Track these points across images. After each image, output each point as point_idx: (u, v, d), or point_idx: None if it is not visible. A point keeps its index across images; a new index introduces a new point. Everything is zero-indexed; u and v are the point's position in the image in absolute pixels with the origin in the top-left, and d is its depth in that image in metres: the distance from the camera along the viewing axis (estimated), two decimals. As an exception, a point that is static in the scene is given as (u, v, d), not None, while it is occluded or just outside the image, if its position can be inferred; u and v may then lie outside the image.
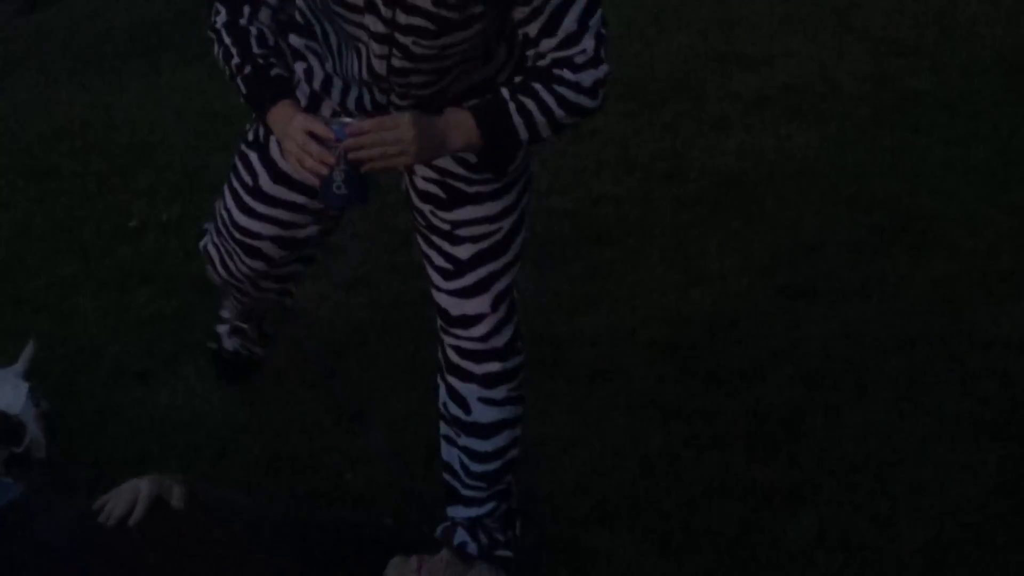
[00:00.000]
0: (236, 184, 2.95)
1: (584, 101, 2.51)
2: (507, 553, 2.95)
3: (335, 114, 2.72)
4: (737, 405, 3.57)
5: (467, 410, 2.92)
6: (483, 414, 2.91)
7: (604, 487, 3.24)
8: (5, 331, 3.96)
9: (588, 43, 2.47)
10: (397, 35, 2.52)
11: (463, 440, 2.95)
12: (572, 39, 2.47)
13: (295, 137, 2.44)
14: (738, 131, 5.69)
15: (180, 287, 4.21)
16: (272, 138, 2.79)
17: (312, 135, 2.43)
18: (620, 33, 6.72)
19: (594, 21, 2.48)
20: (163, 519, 2.66)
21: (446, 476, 3.03)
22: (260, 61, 2.58)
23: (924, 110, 5.82)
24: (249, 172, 2.91)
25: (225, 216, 3.00)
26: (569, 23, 2.46)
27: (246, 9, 2.60)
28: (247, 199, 2.93)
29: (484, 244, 2.82)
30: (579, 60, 2.48)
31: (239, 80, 2.59)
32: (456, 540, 2.96)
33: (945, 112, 5.75)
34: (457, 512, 3.01)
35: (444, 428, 3.01)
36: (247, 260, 3.02)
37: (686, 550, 3.01)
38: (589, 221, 4.77)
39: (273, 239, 2.97)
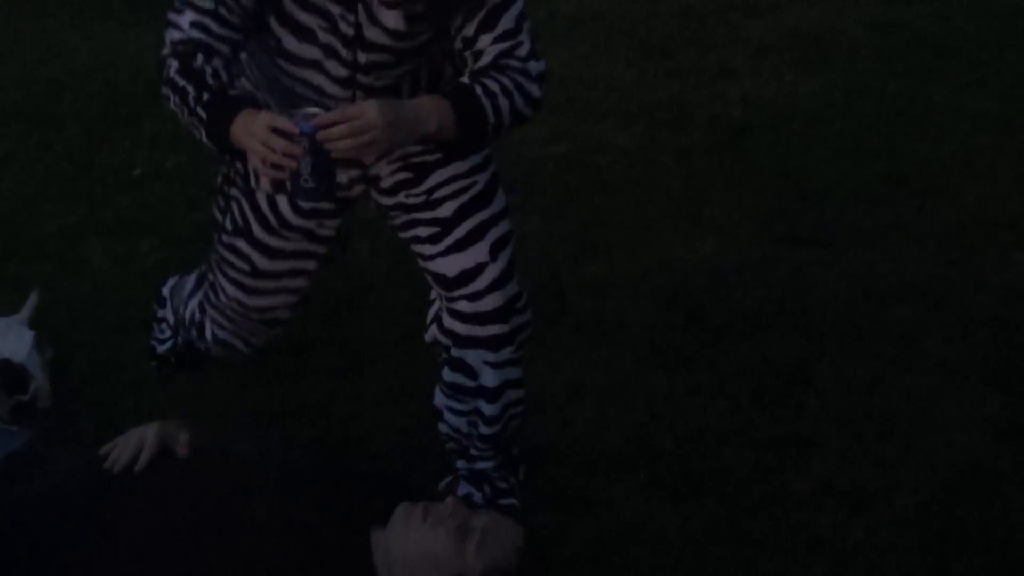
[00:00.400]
0: (233, 274, 2.95)
1: (533, 90, 2.60)
2: (512, 501, 2.96)
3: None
4: (742, 354, 3.58)
5: (474, 376, 2.90)
6: (490, 378, 2.89)
7: (610, 436, 3.24)
8: (9, 280, 3.95)
9: (525, 39, 2.58)
10: (359, 75, 2.64)
11: (471, 404, 2.94)
12: (510, 34, 2.57)
13: (258, 134, 2.40)
14: (743, 79, 5.68)
15: (183, 236, 4.20)
16: (257, 189, 2.80)
17: (275, 130, 2.40)
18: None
19: (527, 24, 2.59)
20: (168, 466, 2.67)
21: (451, 442, 3.03)
22: (215, 85, 2.53)
23: (930, 56, 5.80)
24: (242, 258, 2.93)
25: (234, 307, 3.01)
26: (506, 21, 2.56)
27: (200, 57, 2.57)
28: (251, 282, 2.95)
29: (465, 197, 2.82)
30: (520, 52, 2.58)
31: (199, 110, 2.52)
32: (460, 492, 2.97)
33: (951, 58, 5.74)
34: (462, 466, 3.02)
35: (446, 401, 2.98)
36: (270, 331, 3.09)
37: (692, 498, 3.02)
38: (592, 169, 4.76)
39: (288, 299, 3.01)
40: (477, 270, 2.82)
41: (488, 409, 2.92)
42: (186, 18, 2.58)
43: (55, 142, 5.09)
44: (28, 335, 3.44)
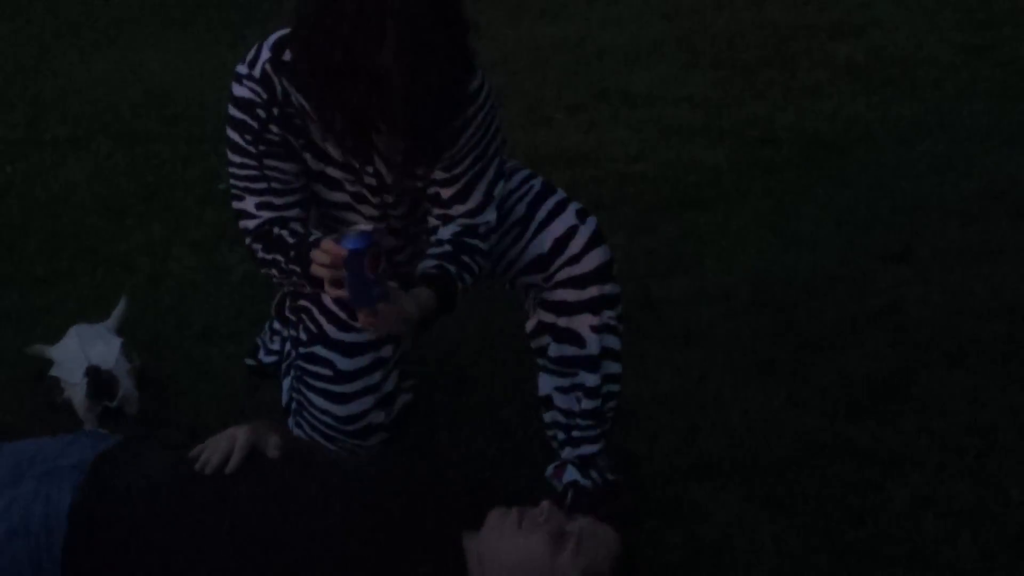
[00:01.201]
0: (318, 384, 2.94)
1: (486, 257, 2.85)
2: (617, 490, 2.94)
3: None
4: (836, 366, 3.50)
5: (581, 344, 2.93)
6: (594, 344, 2.93)
7: (703, 446, 3.18)
8: (98, 291, 3.96)
9: (491, 215, 2.82)
10: (388, 211, 2.86)
11: (579, 379, 2.96)
12: (478, 209, 2.81)
13: (315, 256, 2.57)
14: (831, 98, 5.63)
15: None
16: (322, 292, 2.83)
17: (325, 251, 2.53)
18: (711, 4, 6.71)
19: (497, 191, 2.83)
20: (259, 467, 2.64)
21: (554, 427, 3.04)
22: (297, 241, 2.70)
23: (1018, 79, 5.71)
24: (323, 364, 2.92)
25: (327, 421, 2.97)
26: (478, 194, 2.79)
27: (276, 229, 2.74)
28: (336, 388, 2.93)
29: (529, 195, 2.94)
30: (483, 230, 2.82)
31: (292, 267, 2.70)
32: (566, 478, 2.98)
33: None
34: (568, 453, 3.01)
35: (552, 382, 3.00)
36: (365, 443, 3.01)
37: (789, 507, 2.94)
38: (680, 186, 4.72)
39: (375, 397, 2.97)
40: (569, 235, 2.87)
41: (590, 379, 2.95)
42: (249, 203, 2.75)
43: (140, 158, 5.11)
44: (116, 342, 3.44)
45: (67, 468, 2.62)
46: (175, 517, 2.50)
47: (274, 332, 3.44)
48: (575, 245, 2.88)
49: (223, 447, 2.65)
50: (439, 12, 2.44)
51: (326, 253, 2.53)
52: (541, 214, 2.90)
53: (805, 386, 3.41)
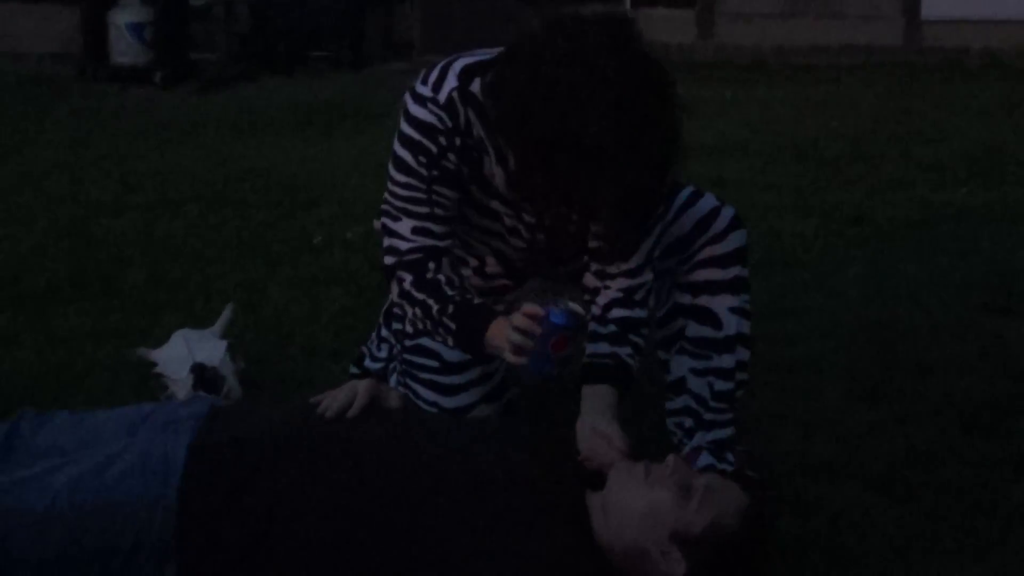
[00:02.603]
0: (425, 375, 2.93)
1: (648, 326, 2.86)
2: (756, 476, 2.86)
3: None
4: (945, 392, 3.45)
5: (718, 325, 2.91)
6: (731, 325, 2.90)
7: (817, 451, 3.12)
8: (196, 317, 3.95)
9: (648, 276, 2.79)
10: (536, 247, 2.85)
11: (713, 361, 2.92)
12: (638, 271, 2.77)
13: (513, 322, 2.53)
14: (918, 188, 5.65)
15: (367, 287, 4.20)
16: None
17: (527, 314, 2.51)
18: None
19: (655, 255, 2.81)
20: (381, 416, 2.62)
21: (682, 413, 2.99)
22: (458, 298, 2.67)
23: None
24: (429, 355, 2.92)
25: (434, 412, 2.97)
26: (639, 256, 2.76)
27: (431, 265, 2.70)
28: (443, 379, 2.93)
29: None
30: (640, 296, 2.79)
31: (446, 320, 2.65)
32: (701, 462, 2.90)
33: None
34: (700, 438, 2.95)
35: (688, 363, 2.96)
36: None
37: (909, 499, 2.88)
38: (772, 250, 4.70)
39: (483, 390, 2.96)
40: (712, 214, 2.88)
41: (725, 361, 2.91)
42: (405, 226, 2.70)
43: (238, 218, 5.17)
44: (222, 344, 3.45)
45: (184, 418, 2.61)
46: (294, 459, 2.47)
47: (381, 340, 3.41)
48: (719, 224, 2.88)
49: (344, 396, 2.63)
50: (656, 89, 2.39)
51: (530, 320, 2.49)
52: (680, 198, 2.89)
53: (915, 407, 3.36)
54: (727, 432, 2.95)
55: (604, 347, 2.75)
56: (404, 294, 2.70)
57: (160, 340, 3.59)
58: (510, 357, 2.53)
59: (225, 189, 5.69)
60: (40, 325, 3.93)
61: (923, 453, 3.11)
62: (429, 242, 2.68)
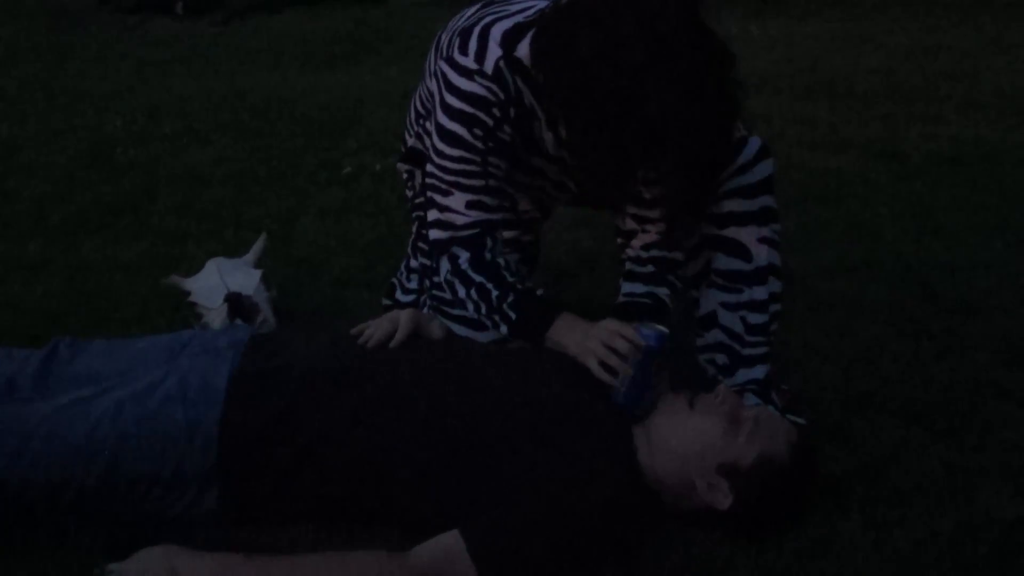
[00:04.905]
0: (454, 311, 2.90)
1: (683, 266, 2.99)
2: (800, 420, 2.81)
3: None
4: (986, 328, 3.41)
5: (748, 257, 2.84)
6: (762, 256, 2.84)
7: (860, 386, 3.08)
8: (227, 246, 3.91)
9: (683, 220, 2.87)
10: (582, 199, 2.92)
11: (744, 295, 2.86)
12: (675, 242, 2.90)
13: (602, 337, 2.50)
14: (950, 126, 5.58)
15: (397, 220, 4.15)
16: None
17: (622, 336, 2.49)
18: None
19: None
20: (425, 345, 2.59)
21: (714, 349, 2.93)
22: (520, 287, 2.65)
23: None
24: None
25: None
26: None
27: (488, 242, 2.66)
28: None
29: None
30: (676, 238, 2.92)
31: (505, 308, 2.63)
32: (748, 404, 2.83)
33: None
34: (744, 375, 2.89)
35: (718, 297, 2.90)
36: None
37: (955, 433, 2.85)
38: (805, 185, 4.64)
39: None
40: (740, 143, 2.79)
41: (758, 293, 2.85)
42: (458, 200, 2.65)
43: (265, 148, 5.13)
44: (255, 273, 3.41)
45: (224, 346, 2.59)
46: (336, 387, 2.44)
47: (411, 271, 3.38)
48: (746, 153, 2.81)
49: (386, 326, 2.60)
50: (722, 66, 2.42)
51: (626, 342, 2.48)
52: None
53: (956, 342, 3.32)
54: (767, 368, 2.90)
55: (640, 287, 2.73)
56: (458, 272, 2.67)
57: (191, 269, 3.55)
58: (599, 373, 2.51)
59: (251, 120, 5.64)
60: (70, 253, 3.91)
61: (964, 389, 3.07)
62: (484, 216, 2.66)
